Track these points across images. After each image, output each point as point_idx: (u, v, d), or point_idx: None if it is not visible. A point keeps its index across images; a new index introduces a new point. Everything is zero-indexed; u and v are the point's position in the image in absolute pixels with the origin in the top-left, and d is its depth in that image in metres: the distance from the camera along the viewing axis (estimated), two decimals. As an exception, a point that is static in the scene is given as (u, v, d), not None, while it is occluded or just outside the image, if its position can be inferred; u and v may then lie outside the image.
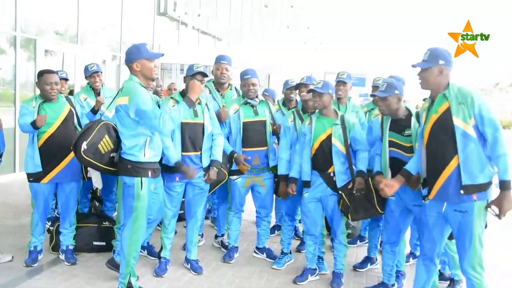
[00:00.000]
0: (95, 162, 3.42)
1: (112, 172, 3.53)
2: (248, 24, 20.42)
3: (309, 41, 34.65)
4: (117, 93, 3.42)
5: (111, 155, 3.46)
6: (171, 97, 3.94)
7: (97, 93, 4.85)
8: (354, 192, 3.68)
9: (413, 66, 3.03)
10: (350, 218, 3.71)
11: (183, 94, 3.89)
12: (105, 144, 3.43)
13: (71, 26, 9.50)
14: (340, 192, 3.73)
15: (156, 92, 4.88)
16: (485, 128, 2.79)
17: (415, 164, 3.19)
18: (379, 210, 3.65)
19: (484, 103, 2.82)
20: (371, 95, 4.57)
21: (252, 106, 4.25)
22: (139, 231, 3.39)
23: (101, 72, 4.93)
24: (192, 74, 3.89)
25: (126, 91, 3.26)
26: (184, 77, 4.01)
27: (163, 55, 3.51)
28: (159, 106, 4.07)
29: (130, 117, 3.22)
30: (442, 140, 2.91)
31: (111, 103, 3.82)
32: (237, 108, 4.23)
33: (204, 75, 3.93)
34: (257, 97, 4.28)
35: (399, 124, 3.49)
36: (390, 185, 3.24)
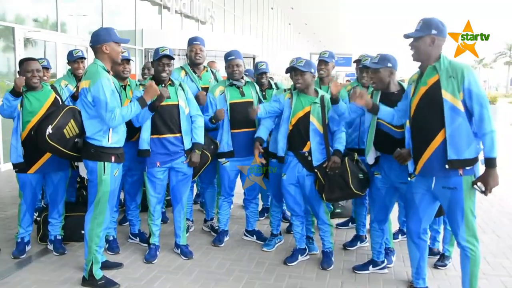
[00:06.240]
0: (59, 147, 3.38)
1: (75, 157, 3.51)
2: (232, 7, 20.17)
3: (294, 22, 34.38)
4: (82, 77, 3.36)
5: (75, 140, 3.42)
6: (142, 84, 3.89)
7: (78, 80, 4.75)
8: (327, 170, 3.64)
9: (405, 36, 2.97)
10: (324, 197, 3.68)
11: (154, 79, 3.83)
12: (70, 128, 3.40)
13: (51, 13, 9.28)
14: (316, 171, 3.70)
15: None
16: (472, 103, 2.74)
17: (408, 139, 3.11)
18: (354, 190, 3.58)
19: (474, 78, 2.75)
20: (361, 66, 4.23)
21: (238, 87, 4.21)
22: (101, 216, 3.36)
23: (85, 59, 4.83)
24: (158, 59, 3.78)
25: (89, 75, 3.23)
26: (151, 62, 3.93)
27: (129, 40, 3.53)
28: (124, 88, 4.02)
29: (89, 101, 3.20)
30: (430, 113, 2.86)
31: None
32: (222, 89, 4.19)
33: (170, 57, 3.81)
34: (242, 78, 4.24)
35: (391, 99, 3.42)
36: (405, 155, 3.14)
